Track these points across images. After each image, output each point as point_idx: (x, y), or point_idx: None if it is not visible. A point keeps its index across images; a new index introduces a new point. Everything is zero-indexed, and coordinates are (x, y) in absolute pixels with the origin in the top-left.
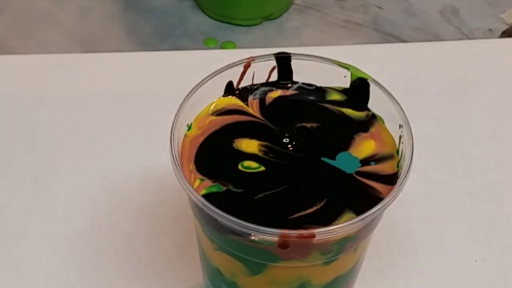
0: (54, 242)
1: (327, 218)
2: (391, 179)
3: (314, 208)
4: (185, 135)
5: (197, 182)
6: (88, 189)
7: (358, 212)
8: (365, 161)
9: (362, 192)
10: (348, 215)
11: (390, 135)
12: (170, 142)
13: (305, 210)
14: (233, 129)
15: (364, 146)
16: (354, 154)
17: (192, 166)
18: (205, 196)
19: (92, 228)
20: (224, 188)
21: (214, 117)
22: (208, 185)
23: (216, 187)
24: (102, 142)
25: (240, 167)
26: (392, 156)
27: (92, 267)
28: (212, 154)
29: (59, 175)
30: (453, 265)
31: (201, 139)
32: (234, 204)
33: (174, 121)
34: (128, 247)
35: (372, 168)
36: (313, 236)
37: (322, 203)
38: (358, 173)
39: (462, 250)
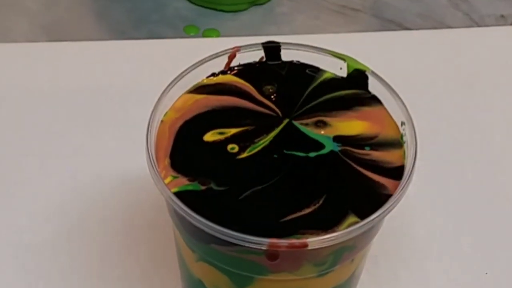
0: (18, 252)
1: (326, 221)
2: (398, 173)
3: (312, 209)
4: (162, 121)
5: (168, 179)
6: (55, 194)
7: (361, 214)
8: (349, 141)
9: (366, 188)
10: (351, 218)
11: (394, 122)
12: (147, 141)
13: (300, 211)
14: (219, 111)
15: (352, 125)
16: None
17: (167, 161)
18: (179, 196)
19: (60, 237)
20: (203, 187)
21: (200, 96)
22: (183, 183)
23: (192, 186)
24: (71, 141)
25: (226, 149)
26: (396, 143)
27: (59, 280)
28: (191, 144)
29: (23, 178)
30: (462, 278)
31: (179, 124)
32: (214, 204)
33: (150, 118)
34: (100, 257)
35: (374, 155)
36: (305, 245)
37: (320, 202)
38: (358, 162)
39: (471, 261)
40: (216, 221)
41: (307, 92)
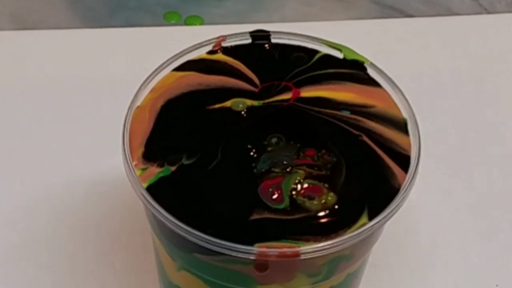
0: None
1: (335, 220)
2: (406, 161)
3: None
4: (138, 107)
5: (138, 173)
6: (22, 197)
7: (373, 213)
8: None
9: (376, 169)
10: (364, 218)
11: (397, 106)
12: (123, 140)
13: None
14: (205, 89)
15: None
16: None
17: (140, 151)
18: (153, 192)
19: (27, 245)
20: (173, 168)
21: (182, 73)
22: (153, 173)
23: (163, 172)
24: (40, 139)
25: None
26: (400, 125)
27: None
28: (170, 123)
29: None
30: None
31: (159, 104)
32: (187, 191)
33: (127, 115)
34: (71, 268)
35: (376, 127)
36: (297, 255)
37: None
38: (365, 131)
39: (481, 273)
40: (192, 217)
41: (300, 69)
